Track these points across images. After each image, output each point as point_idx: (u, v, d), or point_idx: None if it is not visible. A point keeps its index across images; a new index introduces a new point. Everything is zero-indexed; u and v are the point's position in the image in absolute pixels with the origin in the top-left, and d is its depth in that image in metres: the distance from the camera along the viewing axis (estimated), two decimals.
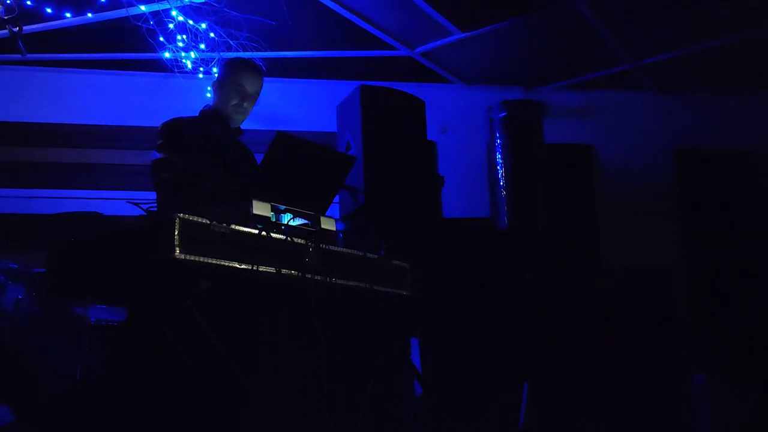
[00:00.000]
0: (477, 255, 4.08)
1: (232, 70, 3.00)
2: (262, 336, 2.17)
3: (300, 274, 2.15)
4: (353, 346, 2.51)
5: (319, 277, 2.22)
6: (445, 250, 4.00)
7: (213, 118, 2.96)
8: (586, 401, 3.78)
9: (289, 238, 2.16)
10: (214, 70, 4.32)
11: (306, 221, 2.30)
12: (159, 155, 2.73)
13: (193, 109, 3.03)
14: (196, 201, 2.57)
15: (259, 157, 2.34)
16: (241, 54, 4.28)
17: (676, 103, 5.55)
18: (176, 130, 2.81)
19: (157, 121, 2.85)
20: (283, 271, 2.12)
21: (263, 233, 2.09)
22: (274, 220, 2.20)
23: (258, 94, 3.02)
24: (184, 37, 4.21)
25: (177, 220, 1.87)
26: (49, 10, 4.04)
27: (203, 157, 2.79)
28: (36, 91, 4.91)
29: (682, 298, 4.92)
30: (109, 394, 2.37)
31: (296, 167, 2.34)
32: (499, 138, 4.11)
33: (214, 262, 1.95)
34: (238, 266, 2.00)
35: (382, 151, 3.43)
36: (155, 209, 2.15)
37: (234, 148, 3.02)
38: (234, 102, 2.93)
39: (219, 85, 2.98)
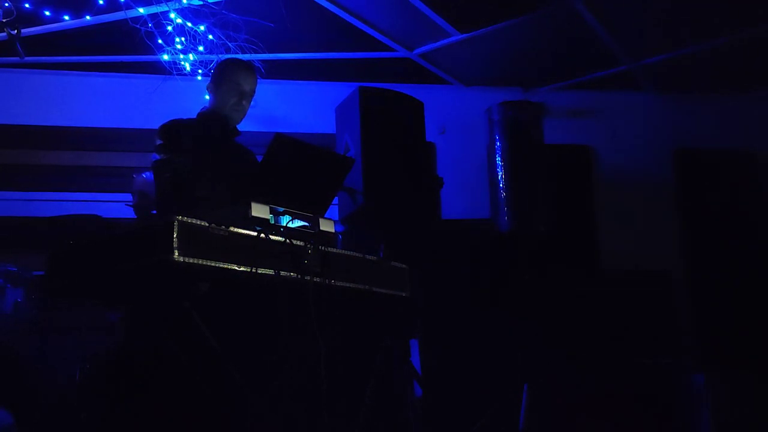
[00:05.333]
0: (476, 256, 4.08)
1: (227, 70, 3.00)
2: (261, 338, 2.16)
3: (299, 276, 2.15)
4: (352, 347, 2.51)
5: (318, 279, 2.22)
6: (445, 252, 4.00)
7: (211, 120, 2.96)
8: (586, 402, 3.78)
9: (288, 240, 2.16)
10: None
11: (305, 223, 2.30)
12: (159, 156, 2.73)
13: (191, 112, 3.03)
14: (197, 203, 2.57)
15: (258, 159, 2.34)
16: (239, 55, 4.28)
17: (675, 103, 5.55)
18: (176, 132, 2.81)
19: (156, 124, 2.85)
20: (282, 273, 2.11)
21: (262, 235, 2.09)
22: (272, 222, 2.20)
23: (254, 92, 3.03)
24: (183, 39, 4.21)
25: (176, 223, 1.86)
26: (47, 13, 4.04)
27: (204, 159, 2.79)
28: (34, 93, 4.91)
29: (682, 299, 4.92)
30: (108, 396, 2.37)
31: (295, 169, 2.33)
32: (499, 139, 4.11)
33: (212, 264, 1.94)
34: (236, 268, 2.00)
35: (380, 152, 3.42)
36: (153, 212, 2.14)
37: (234, 150, 3.02)
38: (233, 101, 2.94)
39: (216, 87, 2.98)
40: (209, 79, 3.04)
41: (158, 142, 2.77)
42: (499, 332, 3.80)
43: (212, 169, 2.76)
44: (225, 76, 2.97)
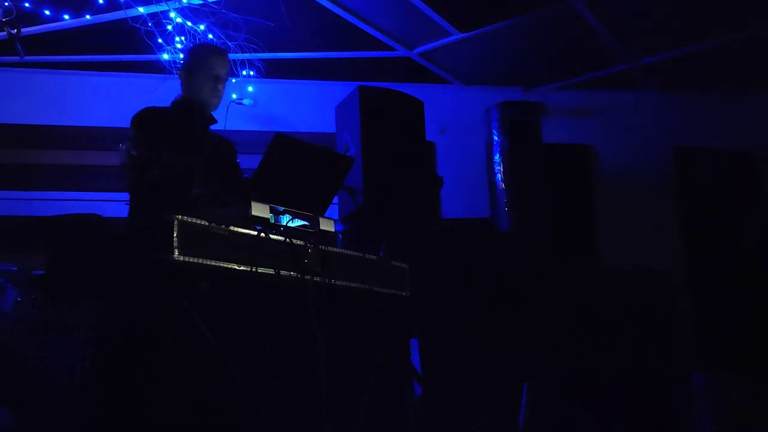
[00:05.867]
0: (476, 256, 4.08)
1: (199, 56, 2.96)
2: (261, 337, 2.16)
3: (299, 275, 2.15)
4: (352, 347, 2.51)
5: (318, 278, 2.21)
6: (445, 251, 4.00)
7: (188, 108, 2.91)
8: (586, 402, 3.78)
9: (288, 240, 2.15)
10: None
11: (305, 222, 2.30)
12: (138, 151, 2.64)
13: None
14: (193, 201, 2.54)
15: (257, 159, 2.33)
16: (240, 55, 4.28)
17: (674, 102, 5.55)
18: (153, 123, 2.75)
19: None
20: (282, 272, 2.11)
21: (262, 234, 2.09)
22: (273, 221, 2.20)
23: (228, 75, 2.98)
24: (183, 38, 4.21)
25: (176, 222, 1.86)
26: (47, 12, 4.04)
27: (183, 150, 2.71)
28: (34, 93, 4.90)
29: (682, 298, 4.92)
30: (108, 396, 2.37)
31: (295, 168, 2.33)
32: (498, 138, 4.11)
33: (213, 263, 1.94)
34: (237, 268, 2.00)
35: (380, 151, 3.42)
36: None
37: (212, 140, 2.97)
38: (208, 86, 2.89)
39: (189, 74, 2.92)
40: (180, 66, 2.99)
41: (134, 134, 2.67)
42: (499, 332, 3.80)
43: (196, 163, 2.70)
44: (197, 62, 2.92)
